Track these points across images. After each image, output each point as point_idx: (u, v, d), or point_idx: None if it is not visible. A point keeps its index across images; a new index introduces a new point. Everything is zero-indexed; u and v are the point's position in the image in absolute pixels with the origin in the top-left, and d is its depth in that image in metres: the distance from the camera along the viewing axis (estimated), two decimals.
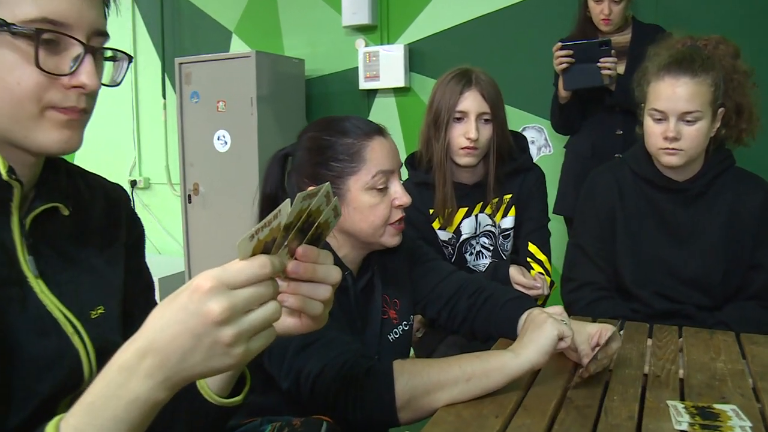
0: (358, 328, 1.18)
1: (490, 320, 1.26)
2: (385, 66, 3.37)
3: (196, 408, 0.76)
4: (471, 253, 1.85)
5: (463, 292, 1.30)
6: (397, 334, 1.26)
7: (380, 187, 1.13)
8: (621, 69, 2.25)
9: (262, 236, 0.60)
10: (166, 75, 4.10)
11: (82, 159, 4.58)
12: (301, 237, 0.65)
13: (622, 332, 1.27)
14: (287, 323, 0.66)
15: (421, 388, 0.93)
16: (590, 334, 1.08)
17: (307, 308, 0.65)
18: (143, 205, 4.35)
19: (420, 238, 1.79)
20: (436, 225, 1.80)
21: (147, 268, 0.92)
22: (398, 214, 1.16)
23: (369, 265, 1.24)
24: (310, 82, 3.67)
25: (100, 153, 4.51)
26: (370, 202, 1.13)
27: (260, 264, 0.56)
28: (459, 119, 1.69)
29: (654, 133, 1.48)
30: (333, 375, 0.95)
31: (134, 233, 0.89)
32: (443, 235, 1.81)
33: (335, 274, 0.65)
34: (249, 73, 3.24)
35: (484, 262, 1.85)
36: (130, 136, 4.35)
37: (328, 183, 0.65)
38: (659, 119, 1.47)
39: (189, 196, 3.60)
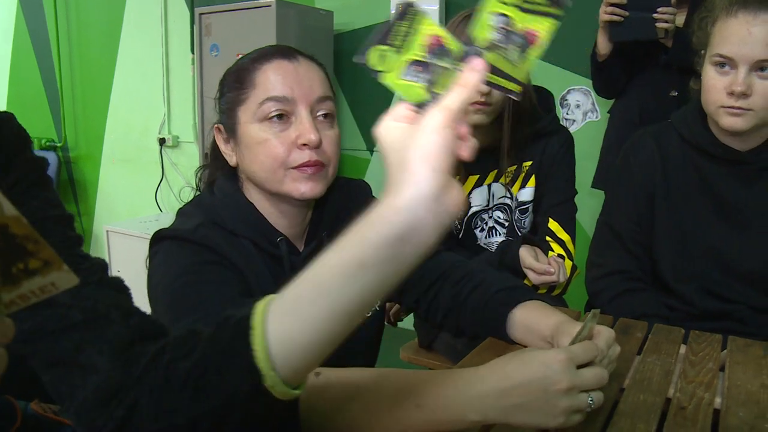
0: None
1: (475, 315, 1.00)
2: None
3: None
4: (482, 229, 1.58)
5: (447, 278, 1.05)
6: None
7: (273, 118, 0.90)
8: (680, 21, 1.87)
9: None
10: (194, 28, 3.91)
11: (114, 117, 4.53)
12: None
13: (592, 324, 0.99)
14: None
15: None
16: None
17: None
18: (172, 164, 4.23)
19: None
20: None
21: None
22: (303, 157, 0.91)
23: (317, 231, 1.00)
24: (339, 37, 3.39)
25: (132, 111, 4.42)
26: (259, 137, 0.90)
27: None
28: None
29: (715, 87, 1.16)
30: None
31: None
32: None
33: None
34: (269, 24, 2.99)
35: (498, 240, 1.58)
36: (160, 93, 4.21)
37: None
38: (725, 69, 1.15)
39: (207, 155, 3.41)
